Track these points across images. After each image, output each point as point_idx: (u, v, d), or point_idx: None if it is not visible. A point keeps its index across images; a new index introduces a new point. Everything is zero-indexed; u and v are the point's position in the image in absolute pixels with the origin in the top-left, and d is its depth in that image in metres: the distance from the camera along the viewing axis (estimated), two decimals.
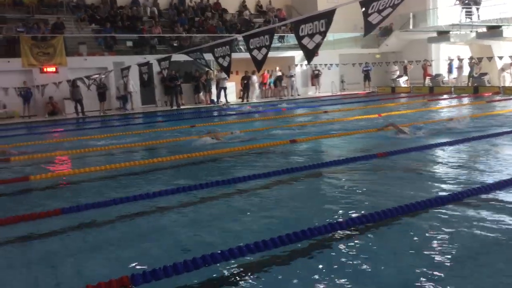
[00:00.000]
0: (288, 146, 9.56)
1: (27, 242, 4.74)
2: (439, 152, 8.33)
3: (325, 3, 23.92)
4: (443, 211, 4.92)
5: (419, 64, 26.40)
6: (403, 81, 27.44)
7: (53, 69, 20.71)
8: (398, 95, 24.63)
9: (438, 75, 26.11)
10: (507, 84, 22.81)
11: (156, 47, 23.61)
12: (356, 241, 4.28)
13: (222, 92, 23.68)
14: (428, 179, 6.52)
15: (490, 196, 5.35)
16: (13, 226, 5.13)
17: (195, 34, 24.91)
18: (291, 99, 25.10)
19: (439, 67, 27.52)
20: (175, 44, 24.16)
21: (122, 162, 8.37)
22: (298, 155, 8.63)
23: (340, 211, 5.17)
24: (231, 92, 24.76)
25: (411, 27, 27.37)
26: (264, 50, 6.35)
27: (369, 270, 3.69)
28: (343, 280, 3.54)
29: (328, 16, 5.20)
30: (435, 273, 3.55)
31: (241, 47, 23.00)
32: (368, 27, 4.71)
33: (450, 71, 25.62)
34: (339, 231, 4.43)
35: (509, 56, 21.42)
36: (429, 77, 26.33)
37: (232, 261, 3.85)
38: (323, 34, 5.25)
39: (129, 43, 23.50)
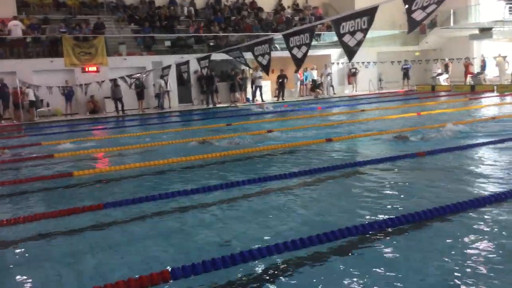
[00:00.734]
0: (324, 144, 9.51)
1: (72, 235, 4.91)
2: (479, 152, 8.11)
3: (363, 0, 23.61)
4: (484, 212, 4.79)
5: (460, 62, 25.69)
6: (443, 79, 26.77)
7: (94, 68, 21.30)
8: (438, 93, 24.05)
9: (480, 73, 25.32)
10: None
11: (193, 47, 23.92)
12: (393, 242, 4.22)
13: (258, 91, 23.75)
14: (468, 179, 6.35)
15: None
16: (59, 219, 5.34)
17: (231, 33, 25.07)
18: (327, 98, 24.91)
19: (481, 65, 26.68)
20: (211, 43, 24.41)
21: (159, 159, 8.54)
22: (334, 154, 8.57)
23: (377, 211, 5.10)
24: (267, 90, 24.80)
25: (451, 24, 26.66)
26: (304, 48, 6.34)
27: (406, 271, 3.64)
28: (378, 281, 3.50)
29: (370, 13, 5.15)
30: (473, 276, 3.47)
31: (277, 45, 22.99)
32: (412, 24, 4.63)
33: (483, 69, 24.84)
34: (376, 232, 4.38)
35: None
36: (470, 75, 25.58)
37: (270, 258, 3.88)
38: (365, 31, 5.20)
39: (167, 43, 23.90)
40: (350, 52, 5.47)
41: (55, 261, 4.23)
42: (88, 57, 21.19)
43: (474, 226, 4.46)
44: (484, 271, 3.54)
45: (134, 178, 7.50)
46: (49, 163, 9.18)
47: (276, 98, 24.67)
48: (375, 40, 26.87)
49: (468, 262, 3.70)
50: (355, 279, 3.52)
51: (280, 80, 24.17)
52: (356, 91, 26.92)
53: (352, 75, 27.09)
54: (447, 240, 4.18)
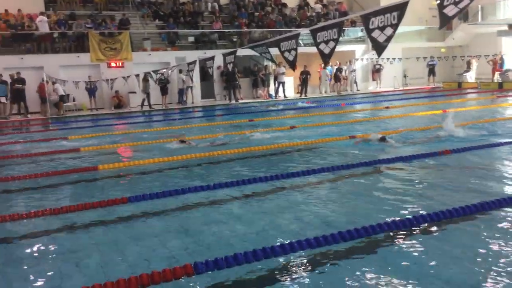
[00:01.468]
0: (347, 141, 9.44)
1: (96, 227, 5.00)
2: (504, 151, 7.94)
3: None
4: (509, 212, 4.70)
5: (488, 59, 25.10)
6: (470, 76, 26.21)
7: (119, 63, 21.59)
8: (465, 90, 23.57)
9: (508, 70, 24.69)
10: None
11: (216, 42, 24.00)
12: (418, 240, 4.17)
13: (281, 87, 23.70)
14: (494, 178, 6.23)
15: None
16: (85, 212, 5.44)
17: (254, 29, 25.05)
18: (350, 94, 24.70)
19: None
20: (234, 39, 24.44)
21: (182, 154, 8.62)
22: (357, 151, 8.50)
23: (402, 209, 5.04)
24: (289, 86, 24.72)
25: (479, 19, 26.06)
26: (331, 44, 6.30)
27: (431, 270, 3.59)
28: (401, 280, 3.47)
29: (400, 8, 5.09)
30: (499, 277, 3.40)
31: (300, 41, 22.84)
32: (443, 19, 4.55)
33: (501, 66, 24.23)
34: (400, 229, 4.34)
35: None
36: (498, 72, 24.97)
37: (291, 255, 3.88)
38: (395, 26, 5.14)
39: (191, 38, 24.04)
40: (379, 48, 5.42)
41: (79, 252, 4.31)
42: (113, 53, 21.49)
43: (499, 226, 4.37)
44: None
45: (158, 173, 7.58)
46: (75, 156, 9.36)
47: (299, 94, 24.58)
48: (400, 36, 26.40)
49: (493, 262, 3.63)
50: (376, 278, 3.49)
51: (304, 76, 24.05)
52: (380, 87, 26.60)
53: (376, 71, 26.77)
54: (472, 240, 4.12)
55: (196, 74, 21.25)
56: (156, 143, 10.39)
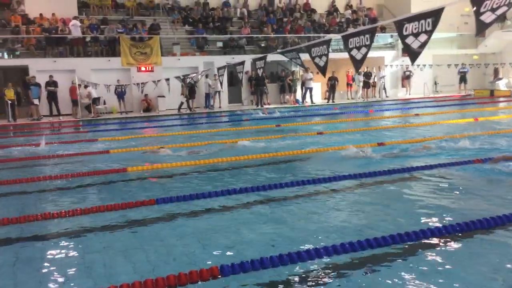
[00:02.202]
0: (376, 149, 9.31)
1: (123, 228, 5.07)
2: None
3: (420, 2, 23.00)
4: None
5: None
6: (502, 84, 25.57)
7: (149, 68, 21.94)
8: (497, 99, 23.00)
9: None
10: None
11: (245, 48, 24.13)
12: (447, 249, 4.08)
13: (308, 93, 23.64)
14: None
15: None
16: (111, 213, 5.53)
17: (282, 35, 25.07)
18: (379, 101, 24.42)
19: None
20: (262, 45, 24.53)
21: (207, 158, 8.68)
22: (385, 158, 8.38)
23: (431, 217, 4.94)
24: (317, 92, 24.63)
25: None
26: (363, 50, 6.25)
27: (460, 282, 3.50)
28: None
29: (435, 14, 5.01)
30: None
31: None
32: (480, 26, 4.47)
33: None
34: (429, 238, 4.25)
35: None
36: None
37: (318, 261, 3.85)
38: (429, 33, 5.08)
39: (219, 44, 24.25)
40: (413, 54, 5.37)
41: (107, 253, 4.38)
42: (143, 57, 21.85)
43: None
44: None
45: (185, 176, 7.65)
46: (105, 158, 9.53)
47: (326, 100, 24.45)
48: (430, 43, 25.67)
49: None
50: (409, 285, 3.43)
51: (332, 82, 23.92)
52: (409, 94, 26.21)
53: (406, 78, 26.40)
54: (505, 251, 4.00)
55: (224, 79, 21.39)
56: (183, 147, 10.48)
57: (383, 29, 26.36)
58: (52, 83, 19.46)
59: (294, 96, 23.99)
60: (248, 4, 27.47)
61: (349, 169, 7.35)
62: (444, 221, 4.72)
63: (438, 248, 4.11)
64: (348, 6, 29.88)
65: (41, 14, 22.16)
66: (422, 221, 4.85)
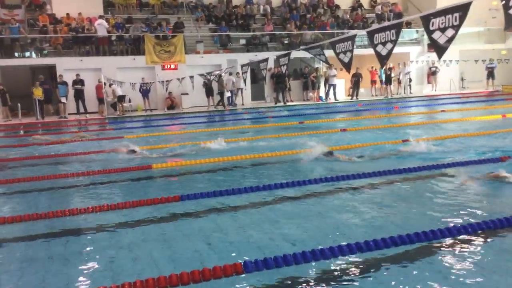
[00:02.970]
0: (401, 146, 9.21)
1: (147, 224, 5.16)
2: None
3: None
4: None
5: None
6: None
7: (173, 65, 22.14)
8: None
9: None
10: None
11: (267, 45, 24.10)
12: (467, 249, 4.03)
13: (331, 90, 23.47)
14: None
15: None
16: (137, 209, 5.63)
17: (305, 31, 24.95)
18: (404, 97, 24.08)
19: None
20: (285, 42, 24.45)
21: (230, 155, 8.74)
22: (411, 156, 8.27)
23: (454, 217, 4.88)
24: (340, 89, 24.42)
25: None
26: (389, 45, 6.21)
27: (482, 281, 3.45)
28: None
29: (463, 9, 4.93)
30: None
31: None
32: (509, 20, 4.38)
33: None
34: (451, 237, 4.20)
35: None
36: None
37: (340, 258, 3.85)
38: (457, 28, 5.02)
39: (242, 41, 24.29)
40: (439, 49, 5.30)
41: (133, 246, 4.47)
42: (167, 55, 22.05)
43: None
44: None
45: (208, 173, 7.71)
46: (130, 155, 9.65)
47: (349, 97, 24.24)
48: (457, 38, 25.28)
49: None
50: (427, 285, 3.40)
51: (356, 79, 23.69)
52: (435, 90, 25.75)
53: (432, 74, 25.93)
54: None
55: (247, 76, 21.41)
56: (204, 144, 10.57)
57: (408, 25, 25.93)
58: (79, 82, 19.83)
59: (317, 93, 23.86)
60: (271, 1, 27.41)
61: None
62: (468, 220, 4.65)
63: (454, 248, 4.05)
64: (373, 1, 29.51)
65: (68, 14, 22.57)
66: (445, 219, 4.78)
